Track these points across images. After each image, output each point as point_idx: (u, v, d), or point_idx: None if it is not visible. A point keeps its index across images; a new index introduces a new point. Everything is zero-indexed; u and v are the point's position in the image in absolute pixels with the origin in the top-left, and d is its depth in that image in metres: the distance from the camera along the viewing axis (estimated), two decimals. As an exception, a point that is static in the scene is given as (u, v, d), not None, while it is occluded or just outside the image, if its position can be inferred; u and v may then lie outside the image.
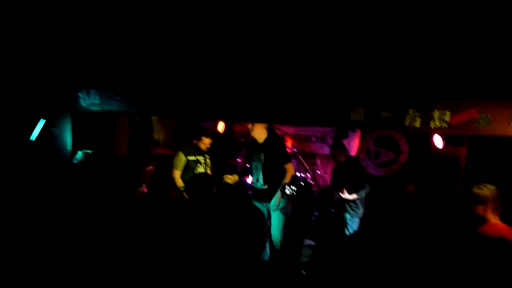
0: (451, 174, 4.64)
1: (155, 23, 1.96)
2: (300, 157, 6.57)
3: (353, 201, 4.57)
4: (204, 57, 2.73)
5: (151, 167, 5.21)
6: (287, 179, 4.45)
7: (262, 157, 4.46)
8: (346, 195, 4.51)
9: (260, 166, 4.49)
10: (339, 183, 4.72)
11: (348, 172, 4.66)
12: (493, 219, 2.49)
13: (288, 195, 4.46)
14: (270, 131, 4.66)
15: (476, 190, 2.49)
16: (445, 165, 5.22)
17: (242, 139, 6.77)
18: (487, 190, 2.51)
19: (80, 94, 4.23)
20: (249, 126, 4.54)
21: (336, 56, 2.44)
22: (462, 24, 1.58)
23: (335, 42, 2.09)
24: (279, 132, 6.50)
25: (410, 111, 3.64)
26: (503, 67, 2.37)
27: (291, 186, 4.44)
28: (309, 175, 6.28)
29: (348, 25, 1.74)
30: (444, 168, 5.02)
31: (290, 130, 6.74)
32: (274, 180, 4.44)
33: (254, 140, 4.57)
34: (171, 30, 2.08)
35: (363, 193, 4.54)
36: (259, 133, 4.47)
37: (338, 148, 4.94)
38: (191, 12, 2.08)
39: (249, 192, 4.39)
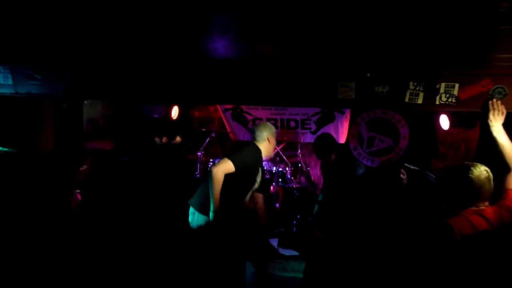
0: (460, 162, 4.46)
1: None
2: (277, 148, 5.98)
3: None
4: (153, 25, 2.30)
5: (85, 166, 4.55)
6: None
7: None
8: None
9: None
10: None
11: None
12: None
13: None
14: None
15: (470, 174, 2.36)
16: (453, 152, 4.96)
17: (202, 129, 6.29)
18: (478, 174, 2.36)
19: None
20: None
21: (319, 20, 2.04)
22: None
23: (318, 2, 1.78)
24: (248, 117, 6.05)
25: (411, 85, 3.35)
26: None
27: None
28: (288, 170, 5.67)
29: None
30: (451, 155, 4.76)
31: (262, 113, 6.24)
32: None
33: None
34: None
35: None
36: None
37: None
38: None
39: None
